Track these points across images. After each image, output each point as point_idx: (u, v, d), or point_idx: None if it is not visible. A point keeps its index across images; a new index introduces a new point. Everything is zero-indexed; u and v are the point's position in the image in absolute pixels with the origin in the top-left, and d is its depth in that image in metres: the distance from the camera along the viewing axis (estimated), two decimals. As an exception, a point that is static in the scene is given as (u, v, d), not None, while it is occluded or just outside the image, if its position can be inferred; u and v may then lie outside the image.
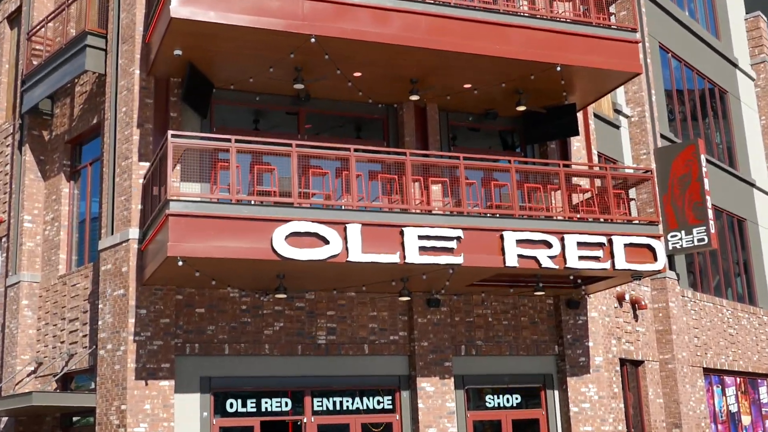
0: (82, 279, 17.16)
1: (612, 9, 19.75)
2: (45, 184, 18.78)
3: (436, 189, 17.37)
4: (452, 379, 17.16)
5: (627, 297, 21.12)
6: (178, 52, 15.18)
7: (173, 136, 14.20)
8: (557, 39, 16.76)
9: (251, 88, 16.77)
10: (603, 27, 17.31)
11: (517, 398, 18.19)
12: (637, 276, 16.99)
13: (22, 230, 18.47)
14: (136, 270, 15.31)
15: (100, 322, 15.70)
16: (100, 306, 15.79)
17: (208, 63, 15.74)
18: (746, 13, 33.22)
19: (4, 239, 19.80)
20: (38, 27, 18.85)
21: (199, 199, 14.27)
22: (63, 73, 17.64)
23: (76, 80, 18.28)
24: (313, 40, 15.03)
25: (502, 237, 15.67)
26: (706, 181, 22.40)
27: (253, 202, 14.54)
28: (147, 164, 15.73)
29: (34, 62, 18.99)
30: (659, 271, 16.95)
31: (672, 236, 22.49)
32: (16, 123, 19.54)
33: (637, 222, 16.98)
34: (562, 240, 16.02)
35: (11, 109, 20.62)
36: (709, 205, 22.25)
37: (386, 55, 15.90)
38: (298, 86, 16.18)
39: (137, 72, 16.04)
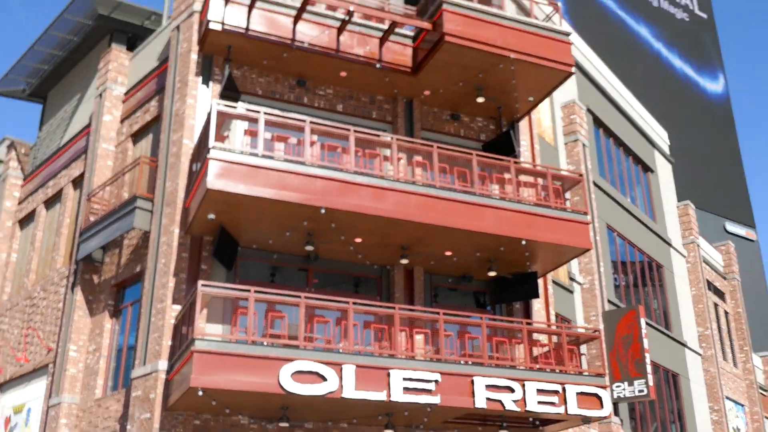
0: (115, 402, 16.94)
1: (567, 195, 20.46)
2: (91, 320, 18.81)
3: (419, 338, 17.43)
4: (427, 505, 16.67)
5: (579, 438, 20.78)
6: (211, 216, 15.60)
7: (203, 285, 14.41)
8: (523, 218, 17.27)
9: (270, 248, 17.10)
10: (560, 210, 17.86)
11: None
12: (586, 420, 16.84)
13: (67, 358, 18.36)
14: (162, 397, 15.17)
15: (127, 442, 15.42)
16: (128, 427, 15.54)
17: (236, 226, 16.14)
18: (678, 201, 34.17)
19: (51, 365, 19.63)
20: (97, 190, 19.38)
21: (220, 339, 14.34)
22: (114, 229, 18.01)
23: (125, 235, 18.64)
24: (323, 211, 15.50)
25: (473, 382, 15.64)
26: (645, 340, 22.48)
27: (265, 343, 14.59)
28: (179, 307, 15.86)
29: (91, 218, 19.40)
30: (605, 417, 16.83)
31: (616, 387, 22.36)
32: (71, 268, 19.76)
33: (587, 374, 16.98)
34: (523, 386, 16.00)
35: (68, 257, 20.89)
36: (648, 361, 22.25)
37: (382, 226, 16.34)
38: (309, 248, 16.52)
39: (176, 231, 16.41)
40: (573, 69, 19.14)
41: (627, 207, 27.81)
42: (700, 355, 30.31)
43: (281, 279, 17.50)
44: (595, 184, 25.62)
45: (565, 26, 21.03)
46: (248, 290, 14.83)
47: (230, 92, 17.51)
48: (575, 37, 25.43)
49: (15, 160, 24.95)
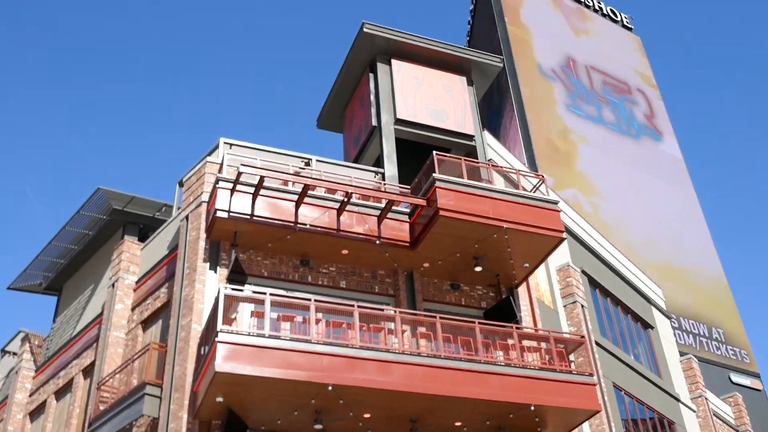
0: None
1: (572, 357, 19.90)
2: None
3: None
4: None
5: None
6: (219, 399, 15.05)
7: (211, 472, 13.64)
8: (530, 383, 16.69)
9: (279, 429, 16.39)
10: (566, 372, 17.30)
11: None
12: None
13: None
14: None
15: None
16: None
17: (244, 408, 15.54)
18: (680, 355, 33.37)
19: None
20: (107, 378, 18.87)
21: None
22: (123, 417, 17.35)
23: (134, 422, 17.94)
24: (330, 388, 14.97)
25: None
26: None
27: None
28: (187, 496, 14.94)
29: (101, 407, 18.75)
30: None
31: None
32: (81, 459, 18.86)
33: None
34: None
35: (78, 447, 20.01)
36: None
37: (389, 399, 15.73)
38: (318, 427, 15.82)
39: (185, 416, 15.78)
40: (564, 234, 19.23)
41: (631, 365, 27.06)
42: None
43: (291, 461, 16.61)
44: (598, 344, 25.06)
45: (552, 195, 21.37)
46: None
47: (237, 275, 17.48)
48: (563, 205, 25.84)
49: (28, 352, 24.54)
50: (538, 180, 20.73)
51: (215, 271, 17.73)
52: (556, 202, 19.64)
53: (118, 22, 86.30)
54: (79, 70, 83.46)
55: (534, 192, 20.18)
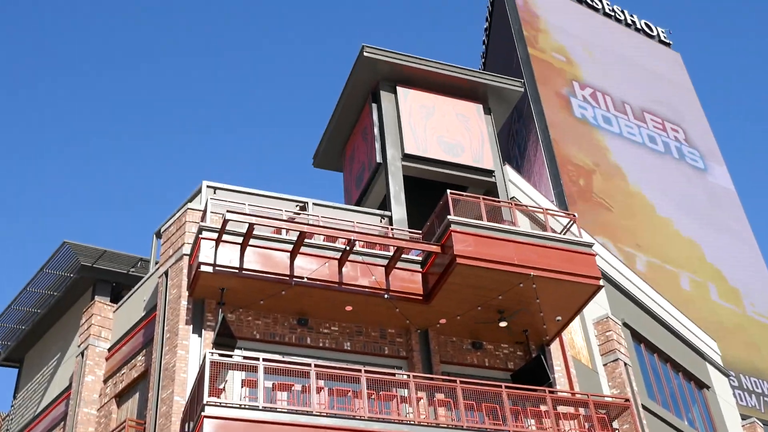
0: None
1: (615, 424, 19.73)
2: None
3: None
4: None
5: None
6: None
7: None
8: (567, 457, 16.52)
9: None
10: (609, 443, 17.14)
11: None
12: None
13: None
14: None
15: None
16: None
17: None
18: (742, 419, 32.97)
19: None
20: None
21: None
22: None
23: None
24: (335, 468, 14.82)
25: None
26: None
27: None
28: None
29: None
30: None
31: None
32: None
33: None
34: None
35: None
36: None
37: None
38: None
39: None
40: (601, 282, 19.23)
41: (683, 430, 26.74)
42: None
43: None
44: (645, 408, 24.81)
45: (586, 237, 21.41)
46: None
47: (225, 339, 17.48)
48: (599, 248, 25.84)
49: (-14, 434, 24.45)
50: (568, 220, 20.79)
51: (200, 335, 17.73)
52: (590, 245, 19.66)
53: (83, 51, 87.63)
54: (37, 112, 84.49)
55: (564, 233, 20.22)
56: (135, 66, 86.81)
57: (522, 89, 25.92)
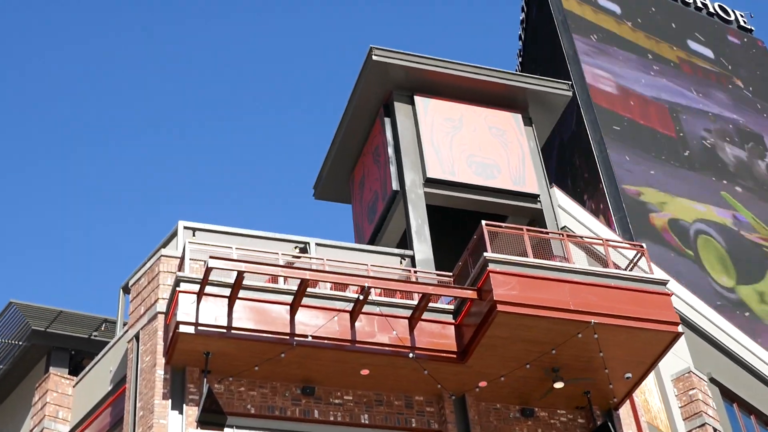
0: None
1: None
2: None
3: None
4: None
5: None
6: None
7: None
8: None
9: None
10: None
11: None
12: None
13: None
14: None
15: None
16: None
17: None
18: None
19: None
20: None
21: None
22: None
23: None
24: None
25: None
26: None
27: None
28: None
29: None
30: None
31: None
32: None
33: None
34: None
35: None
36: None
37: None
38: None
39: None
40: (680, 328, 19.09)
41: None
42: None
43: None
44: (742, 485, 24.54)
45: (659, 273, 21.27)
46: None
47: (213, 415, 17.41)
48: (675, 285, 25.69)
49: None
50: (635, 252, 20.71)
51: (181, 411, 17.66)
52: (664, 282, 19.54)
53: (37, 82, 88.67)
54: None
55: (631, 269, 20.12)
56: (91, 89, 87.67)
57: (570, 92, 25.98)
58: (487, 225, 19.21)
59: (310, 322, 18.25)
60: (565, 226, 23.72)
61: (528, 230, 19.63)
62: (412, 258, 22.24)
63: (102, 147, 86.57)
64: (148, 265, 20.16)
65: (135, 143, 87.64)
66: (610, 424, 19.17)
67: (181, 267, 18.75)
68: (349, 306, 18.63)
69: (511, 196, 24.03)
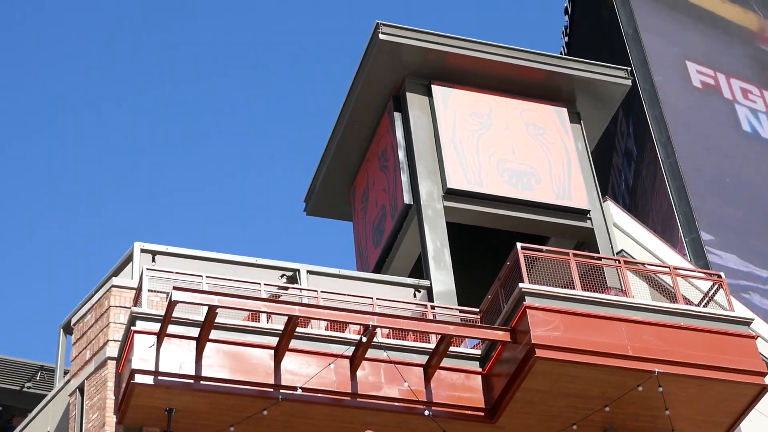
0: None
1: None
2: None
3: None
4: None
5: None
6: None
7: None
8: None
9: None
10: None
11: None
12: None
13: None
14: None
15: None
16: None
17: None
18: None
19: None
20: None
21: None
22: None
23: None
24: None
25: None
26: None
27: None
28: None
29: None
30: None
31: None
32: None
33: None
34: None
35: None
36: None
37: None
38: None
39: None
40: (767, 379, 19.16)
41: None
42: None
43: None
44: None
45: (741, 309, 21.37)
46: None
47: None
48: (761, 324, 25.72)
49: None
50: (711, 284, 20.77)
51: (137, 486, 17.82)
52: (749, 322, 19.62)
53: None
54: None
55: (706, 305, 20.20)
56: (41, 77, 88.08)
57: (629, 81, 26.07)
58: (523, 248, 19.31)
59: (300, 371, 18.35)
60: (622, 250, 23.81)
61: (575, 255, 19.73)
62: (429, 290, 22.33)
63: (40, 142, 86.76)
64: (95, 298, 20.25)
65: (82, 138, 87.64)
66: (678, 501, 19.29)
67: (137, 301, 18.86)
68: (350, 350, 18.73)
69: (554, 211, 24.14)
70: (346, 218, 27.81)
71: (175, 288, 17.82)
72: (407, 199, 23.81)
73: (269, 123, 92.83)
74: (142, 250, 21.09)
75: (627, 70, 26.46)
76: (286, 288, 20.63)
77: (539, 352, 18.00)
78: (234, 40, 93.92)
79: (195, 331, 18.15)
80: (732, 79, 47.19)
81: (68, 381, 20.03)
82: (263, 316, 19.07)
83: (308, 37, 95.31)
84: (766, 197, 43.50)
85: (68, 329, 21.70)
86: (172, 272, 19.60)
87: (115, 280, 20.01)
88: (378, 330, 18.65)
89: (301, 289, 20.73)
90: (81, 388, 19.23)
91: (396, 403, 18.63)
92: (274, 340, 18.43)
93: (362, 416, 18.63)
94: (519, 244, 19.39)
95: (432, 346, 19.13)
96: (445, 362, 19.11)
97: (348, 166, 26.77)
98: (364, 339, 18.41)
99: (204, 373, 17.96)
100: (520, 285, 18.71)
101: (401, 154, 24.31)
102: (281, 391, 18.14)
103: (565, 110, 25.64)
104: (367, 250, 26.05)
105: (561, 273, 19.49)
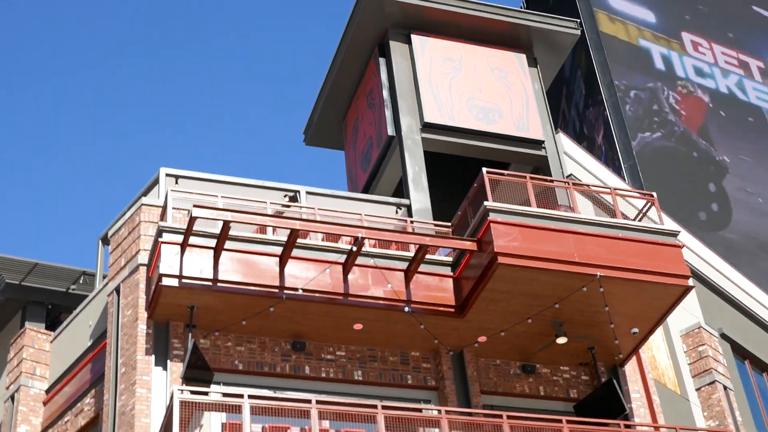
0: None
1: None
2: None
3: None
4: None
5: None
6: None
7: None
8: None
9: None
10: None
11: None
12: None
13: None
14: None
15: None
16: None
17: None
18: None
19: None
20: None
21: None
22: None
23: None
24: None
25: None
26: None
27: None
28: None
29: None
30: None
31: None
32: None
33: None
34: None
35: None
36: None
37: None
38: None
39: None
40: (691, 281, 19.32)
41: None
42: None
43: None
44: (754, 446, 24.91)
45: (669, 223, 21.48)
46: None
47: (198, 371, 17.64)
48: (686, 236, 25.86)
49: None
50: (645, 202, 20.86)
51: (165, 368, 17.94)
52: (675, 233, 19.75)
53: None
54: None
55: (640, 220, 20.31)
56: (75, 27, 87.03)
57: (578, 31, 26.02)
58: (488, 172, 19.37)
59: (301, 275, 18.46)
60: (571, 174, 23.86)
61: (531, 178, 19.78)
62: (409, 207, 22.41)
63: (77, 87, 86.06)
64: (128, 214, 20.29)
65: (113, 83, 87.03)
66: (615, 382, 19.44)
67: (163, 216, 18.91)
68: (342, 258, 18.81)
69: (514, 142, 24.18)
70: (339, 147, 27.84)
71: (195, 206, 17.89)
72: (390, 131, 23.87)
73: (274, 66, 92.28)
74: (167, 174, 21.20)
75: (577, 21, 26.38)
76: (289, 206, 20.69)
77: (501, 259, 18.09)
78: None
79: (212, 242, 18.23)
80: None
81: (106, 284, 20.14)
82: (269, 229, 19.13)
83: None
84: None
85: (106, 240, 21.80)
86: (192, 193, 19.72)
87: (144, 200, 20.05)
88: (366, 241, 18.75)
89: (301, 206, 20.81)
90: (117, 290, 19.33)
91: (381, 302, 18.76)
92: (278, 249, 18.50)
93: (353, 312, 18.76)
94: (485, 169, 19.45)
95: (411, 254, 19.22)
96: (422, 268, 19.18)
97: (340, 104, 26.76)
98: (354, 248, 18.49)
99: (220, 277, 18.06)
100: (485, 203, 18.76)
101: (385, 93, 24.33)
102: (285, 291, 18.25)
103: (524, 56, 25.60)
104: (356, 175, 26.11)
105: (519, 193, 19.54)
